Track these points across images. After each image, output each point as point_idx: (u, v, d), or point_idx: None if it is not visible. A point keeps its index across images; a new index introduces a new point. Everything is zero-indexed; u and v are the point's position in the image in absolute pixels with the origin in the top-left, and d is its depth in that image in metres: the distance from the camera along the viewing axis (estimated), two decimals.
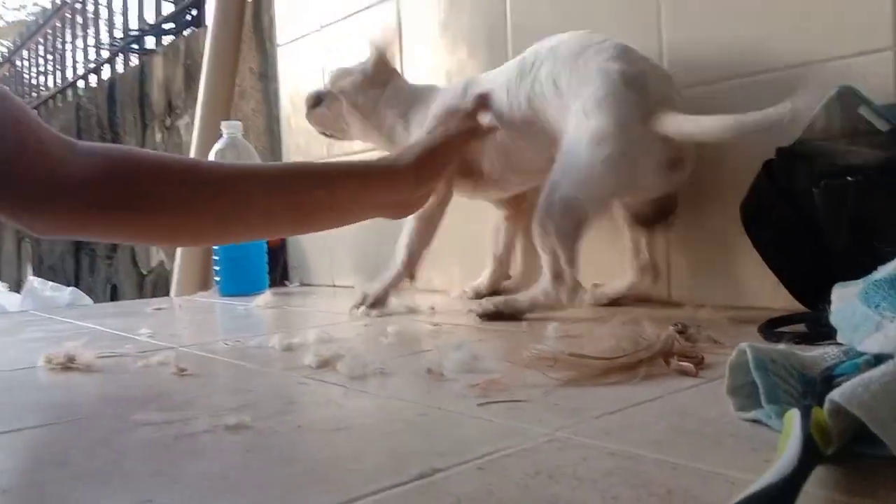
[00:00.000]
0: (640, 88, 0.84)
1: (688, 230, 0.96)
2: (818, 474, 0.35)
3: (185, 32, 2.57)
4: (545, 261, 0.89)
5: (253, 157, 1.51)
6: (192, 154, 1.82)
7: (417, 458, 0.41)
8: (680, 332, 0.67)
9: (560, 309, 0.90)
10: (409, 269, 1.05)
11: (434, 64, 1.32)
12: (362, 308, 1.03)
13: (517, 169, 1.02)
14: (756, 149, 0.86)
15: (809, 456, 0.33)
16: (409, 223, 1.03)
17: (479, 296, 1.18)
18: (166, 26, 2.80)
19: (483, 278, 1.19)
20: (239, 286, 1.49)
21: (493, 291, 1.18)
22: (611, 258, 1.01)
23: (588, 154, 0.85)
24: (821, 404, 0.36)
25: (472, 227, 1.20)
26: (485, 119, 0.96)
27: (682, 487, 0.35)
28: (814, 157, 0.76)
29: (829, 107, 0.76)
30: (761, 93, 0.89)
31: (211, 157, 1.51)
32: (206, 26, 2.05)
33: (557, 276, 0.89)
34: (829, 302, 0.55)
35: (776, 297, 0.84)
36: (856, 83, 0.75)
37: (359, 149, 1.36)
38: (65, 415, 0.57)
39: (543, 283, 0.90)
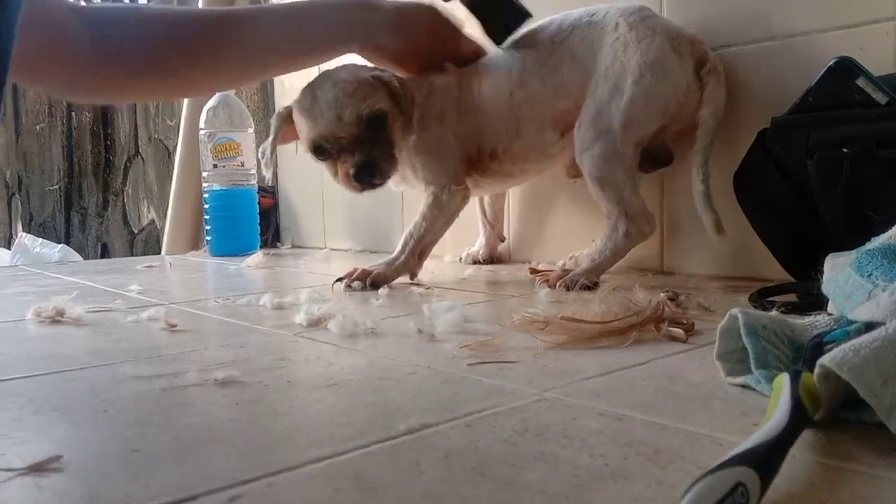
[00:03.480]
0: (660, 19, 0.89)
1: (681, 199, 0.96)
2: (806, 438, 0.35)
3: None
4: (610, 203, 0.88)
5: (245, 116, 1.50)
6: (184, 112, 1.80)
7: (406, 414, 0.41)
8: (671, 299, 0.68)
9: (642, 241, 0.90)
10: (419, 261, 0.97)
11: None
12: (357, 283, 0.91)
13: (526, 149, 0.98)
14: (751, 118, 0.86)
15: (798, 419, 0.33)
16: (423, 211, 0.97)
17: (475, 262, 1.18)
18: None
19: (478, 246, 1.19)
20: (230, 246, 1.49)
21: (490, 257, 1.18)
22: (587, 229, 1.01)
23: (638, 76, 0.85)
24: (811, 369, 0.37)
25: None
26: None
27: (670, 447, 0.36)
28: (809, 127, 0.76)
29: (827, 77, 0.75)
30: (760, 61, 0.88)
31: (203, 115, 1.49)
32: None
33: (629, 214, 0.87)
34: (820, 272, 0.55)
35: (768, 269, 0.84)
36: (855, 54, 0.75)
37: None
38: (53, 366, 0.57)
39: (620, 228, 0.88)
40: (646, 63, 0.85)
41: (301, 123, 0.95)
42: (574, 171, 0.92)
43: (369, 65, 0.96)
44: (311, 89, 0.94)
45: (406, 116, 0.94)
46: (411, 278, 0.97)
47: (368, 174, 0.91)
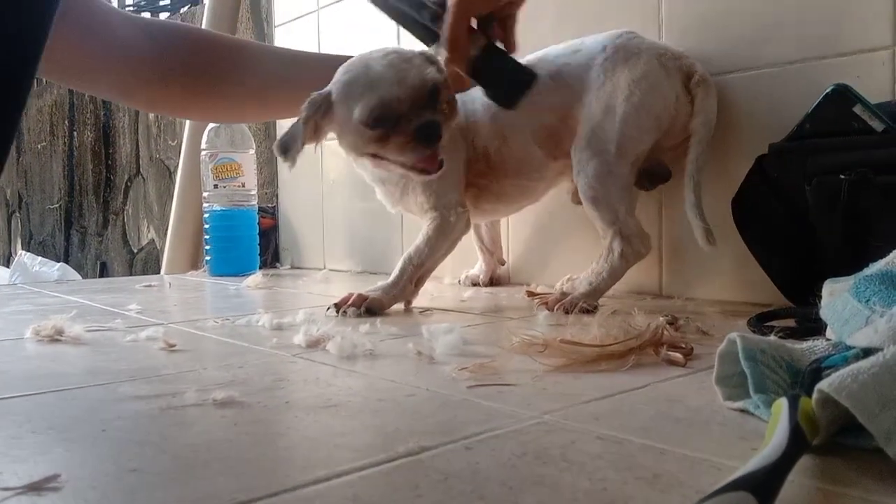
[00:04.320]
0: (646, 40, 0.92)
1: (679, 224, 0.97)
2: (804, 463, 0.35)
3: (182, 10, 2.55)
4: (605, 224, 0.88)
5: (246, 137, 1.51)
6: (185, 133, 1.81)
7: (405, 436, 0.41)
8: (670, 323, 0.68)
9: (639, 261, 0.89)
10: (416, 288, 0.95)
11: None
12: (351, 310, 0.87)
13: (517, 161, 0.98)
14: (748, 145, 0.86)
15: (796, 444, 0.33)
16: (427, 234, 0.94)
17: (475, 284, 1.18)
18: (163, 2, 2.78)
19: (478, 270, 1.19)
20: (229, 266, 1.49)
21: (490, 281, 1.18)
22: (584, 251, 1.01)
23: (628, 93, 0.86)
24: (809, 394, 0.37)
25: None
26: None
27: (669, 472, 0.36)
28: (806, 154, 0.76)
29: (824, 104, 0.76)
30: (758, 88, 0.89)
31: (205, 136, 1.50)
32: (203, 3, 2.04)
33: (624, 235, 0.87)
34: (818, 297, 0.55)
35: (767, 294, 0.84)
36: (852, 81, 0.76)
37: None
38: (52, 385, 0.57)
39: (615, 249, 0.87)
40: (634, 80, 0.87)
41: (352, 96, 0.87)
42: (578, 198, 0.92)
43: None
44: (359, 63, 0.89)
45: (452, 96, 0.90)
46: (406, 306, 0.94)
47: (435, 133, 0.85)
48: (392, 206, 1.03)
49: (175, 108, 1.13)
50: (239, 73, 0.95)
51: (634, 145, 0.88)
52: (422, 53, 0.89)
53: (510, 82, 0.88)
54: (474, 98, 0.99)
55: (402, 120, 0.86)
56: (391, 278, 0.93)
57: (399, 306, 0.93)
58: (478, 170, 1.00)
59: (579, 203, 0.92)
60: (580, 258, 1.07)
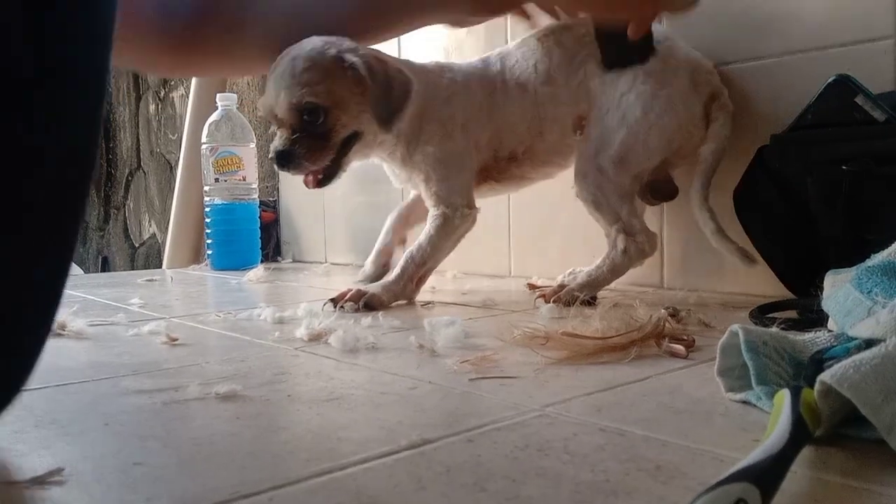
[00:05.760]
0: (682, 49, 0.89)
1: (682, 216, 0.97)
2: (806, 454, 0.35)
3: None
4: (608, 223, 0.87)
5: (247, 130, 1.51)
6: (186, 126, 1.80)
7: (407, 429, 0.41)
8: (671, 315, 0.68)
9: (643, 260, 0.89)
10: (417, 287, 0.94)
11: (432, 41, 1.32)
12: (349, 305, 0.86)
13: (547, 152, 0.96)
14: (750, 135, 0.86)
15: (799, 436, 0.33)
16: (430, 234, 0.92)
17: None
18: None
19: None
20: (231, 260, 1.49)
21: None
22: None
23: (643, 108, 0.85)
24: (811, 385, 0.37)
25: None
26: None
27: (671, 463, 0.36)
28: (808, 144, 0.76)
29: (826, 95, 0.75)
30: (760, 78, 0.89)
31: (205, 129, 1.50)
32: None
33: (628, 231, 0.87)
34: (820, 288, 0.55)
35: (769, 285, 0.84)
36: (854, 71, 0.75)
37: None
38: (55, 379, 0.57)
39: (619, 245, 0.87)
40: (657, 96, 0.85)
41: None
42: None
43: (347, 42, 0.87)
44: (284, 53, 0.87)
45: (382, 110, 0.87)
46: (408, 300, 0.93)
47: (283, 162, 0.88)
48: (400, 183, 1.02)
49: (200, 70, 1.12)
50: (248, 22, 0.90)
51: (639, 161, 0.87)
52: (336, 60, 0.85)
53: (627, 52, 0.89)
54: (506, 100, 0.95)
55: (281, 128, 0.88)
56: (392, 275, 0.92)
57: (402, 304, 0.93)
58: (500, 168, 0.98)
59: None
60: (582, 251, 1.07)
